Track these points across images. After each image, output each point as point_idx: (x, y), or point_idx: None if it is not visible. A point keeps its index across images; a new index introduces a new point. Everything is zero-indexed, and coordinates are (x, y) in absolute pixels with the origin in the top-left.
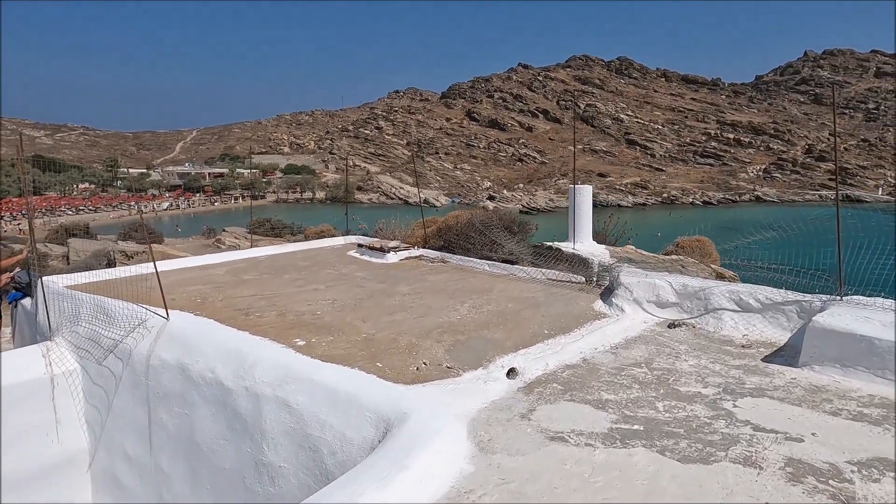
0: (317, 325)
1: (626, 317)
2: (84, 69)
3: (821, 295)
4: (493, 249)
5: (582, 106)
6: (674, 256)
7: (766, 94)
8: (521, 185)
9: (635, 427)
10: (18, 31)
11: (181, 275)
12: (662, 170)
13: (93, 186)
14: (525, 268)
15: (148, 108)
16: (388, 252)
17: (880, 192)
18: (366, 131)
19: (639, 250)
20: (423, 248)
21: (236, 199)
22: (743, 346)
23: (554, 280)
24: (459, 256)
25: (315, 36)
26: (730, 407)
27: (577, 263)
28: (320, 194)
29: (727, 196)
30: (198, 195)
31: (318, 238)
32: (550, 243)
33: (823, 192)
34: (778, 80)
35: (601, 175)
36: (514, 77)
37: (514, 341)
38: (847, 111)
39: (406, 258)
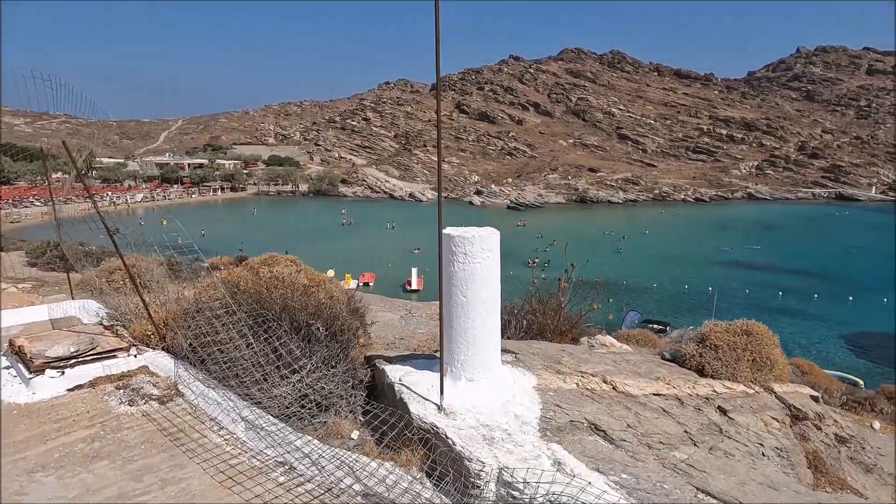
0: None
1: None
2: (71, 56)
3: None
4: (273, 377)
5: (573, 99)
6: (703, 385)
7: (759, 90)
8: (510, 180)
9: None
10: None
11: None
12: (654, 165)
13: (66, 177)
14: (324, 449)
15: (134, 96)
16: (40, 373)
17: (874, 191)
18: (353, 122)
19: (617, 365)
20: (162, 345)
21: (215, 191)
22: None
23: None
24: (212, 384)
25: (310, 24)
26: None
27: (442, 460)
28: (303, 187)
29: (719, 193)
30: (175, 186)
31: (100, 280)
32: (399, 381)
33: (817, 191)
34: (770, 77)
35: (592, 170)
36: (506, 69)
37: None
38: (839, 108)
39: (94, 381)
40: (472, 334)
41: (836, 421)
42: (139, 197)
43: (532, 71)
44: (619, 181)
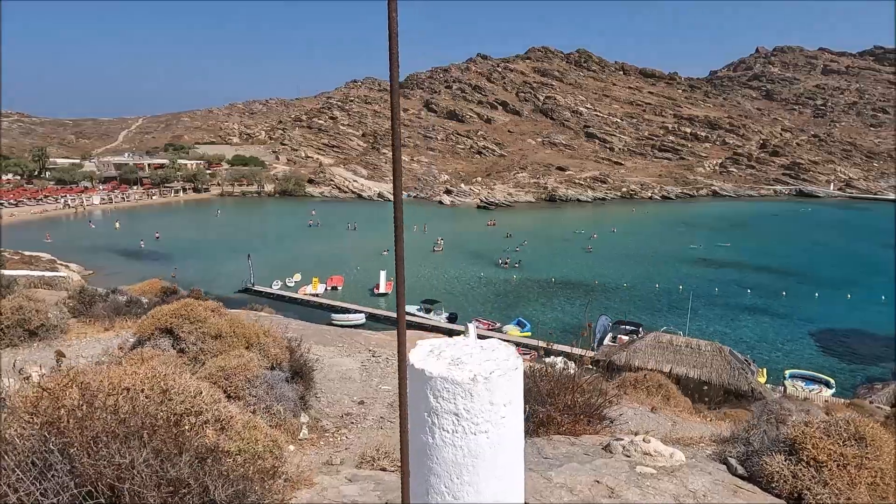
0: None
1: None
2: (23, 50)
3: None
4: None
5: (541, 98)
6: None
7: (721, 89)
8: (480, 179)
9: None
10: None
11: None
12: (621, 164)
13: (17, 178)
14: None
15: (91, 93)
16: None
17: (832, 188)
18: (320, 121)
19: None
20: None
21: (177, 192)
22: None
23: None
24: None
25: (275, 20)
26: None
27: None
28: (269, 187)
29: (685, 191)
30: (135, 188)
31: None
32: None
33: (778, 188)
34: (731, 76)
35: (560, 168)
36: (473, 68)
37: None
38: (797, 107)
39: None
40: None
41: None
42: (96, 199)
43: (500, 69)
44: (588, 179)
